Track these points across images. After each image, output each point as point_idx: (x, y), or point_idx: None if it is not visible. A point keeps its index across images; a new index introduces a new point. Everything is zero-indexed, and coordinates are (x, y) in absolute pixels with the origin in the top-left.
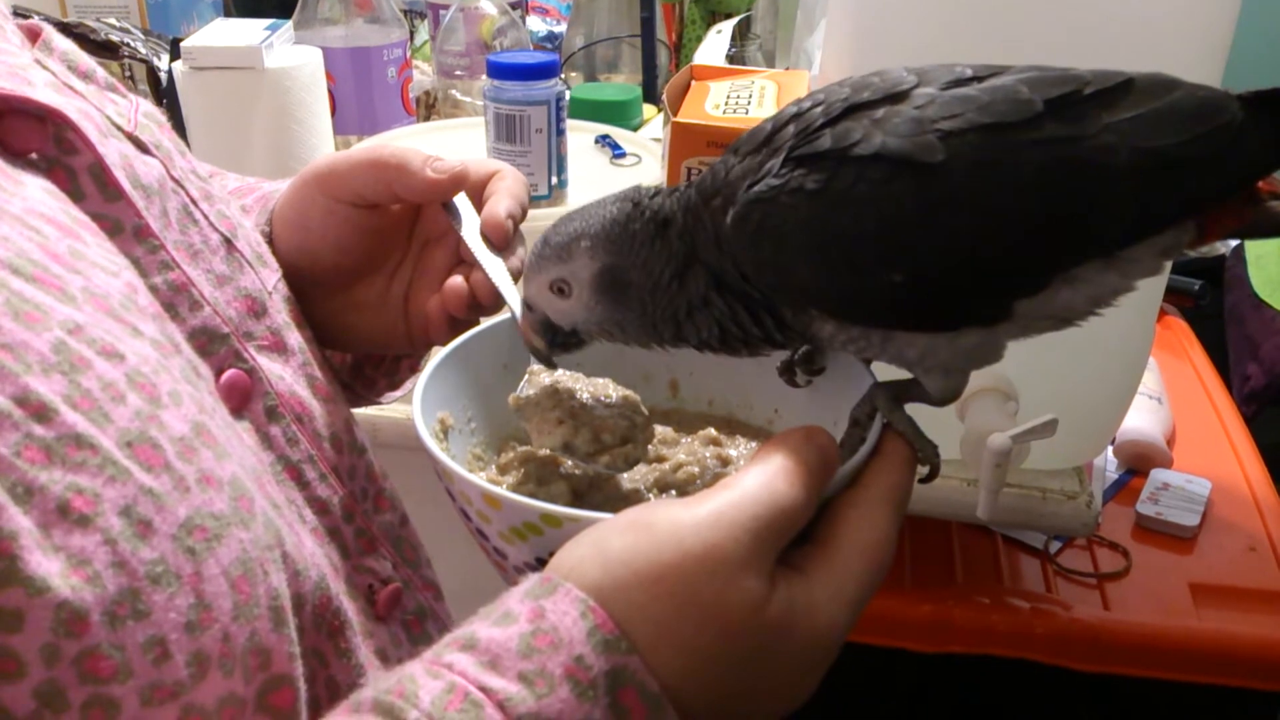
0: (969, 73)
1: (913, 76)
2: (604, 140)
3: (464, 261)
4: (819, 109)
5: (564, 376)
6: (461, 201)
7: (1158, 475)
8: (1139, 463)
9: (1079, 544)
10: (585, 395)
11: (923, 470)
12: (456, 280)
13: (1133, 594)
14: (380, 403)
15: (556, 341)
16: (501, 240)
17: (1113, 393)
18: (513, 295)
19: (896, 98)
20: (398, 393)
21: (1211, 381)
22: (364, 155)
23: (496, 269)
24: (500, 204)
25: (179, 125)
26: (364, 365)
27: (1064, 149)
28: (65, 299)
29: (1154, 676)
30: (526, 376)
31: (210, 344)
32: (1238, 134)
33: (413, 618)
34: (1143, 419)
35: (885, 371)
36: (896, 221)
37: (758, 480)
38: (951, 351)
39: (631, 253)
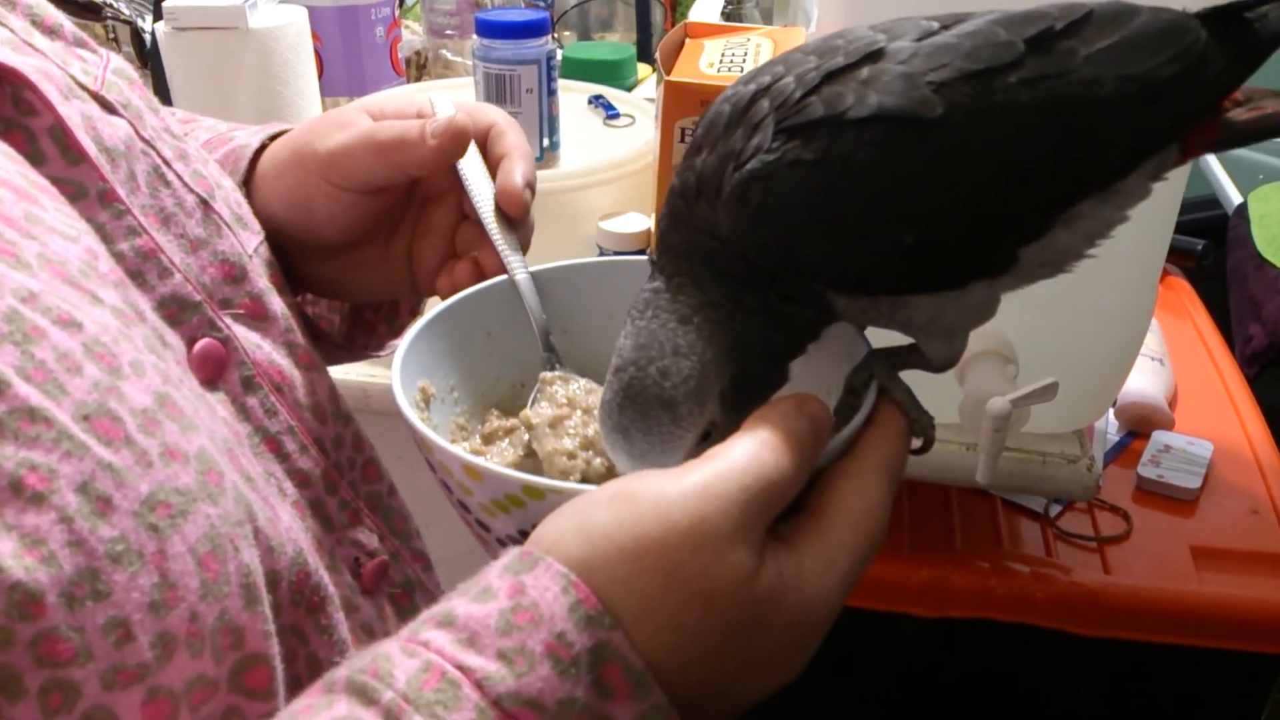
0: (935, 25)
1: (880, 34)
2: (597, 101)
3: (467, 218)
4: (789, 80)
5: (579, 390)
6: (471, 167)
7: (1159, 437)
8: (1140, 425)
9: (1079, 507)
10: None
11: (916, 442)
12: (465, 266)
13: (1133, 557)
14: (381, 354)
15: None
16: (519, 213)
17: (1114, 355)
18: (520, 271)
19: (875, 56)
20: (399, 340)
21: (1214, 342)
22: (361, 143)
23: (508, 244)
24: (515, 171)
25: (163, 87)
26: (363, 310)
27: (1055, 86)
28: (19, 266)
29: (1155, 640)
30: (538, 385)
31: (181, 312)
32: (1204, 51)
33: (400, 591)
34: (1144, 380)
35: (878, 338)
36: (904, 182)
37: (746, 451)
38: (958, 310)
39: (751, 349)
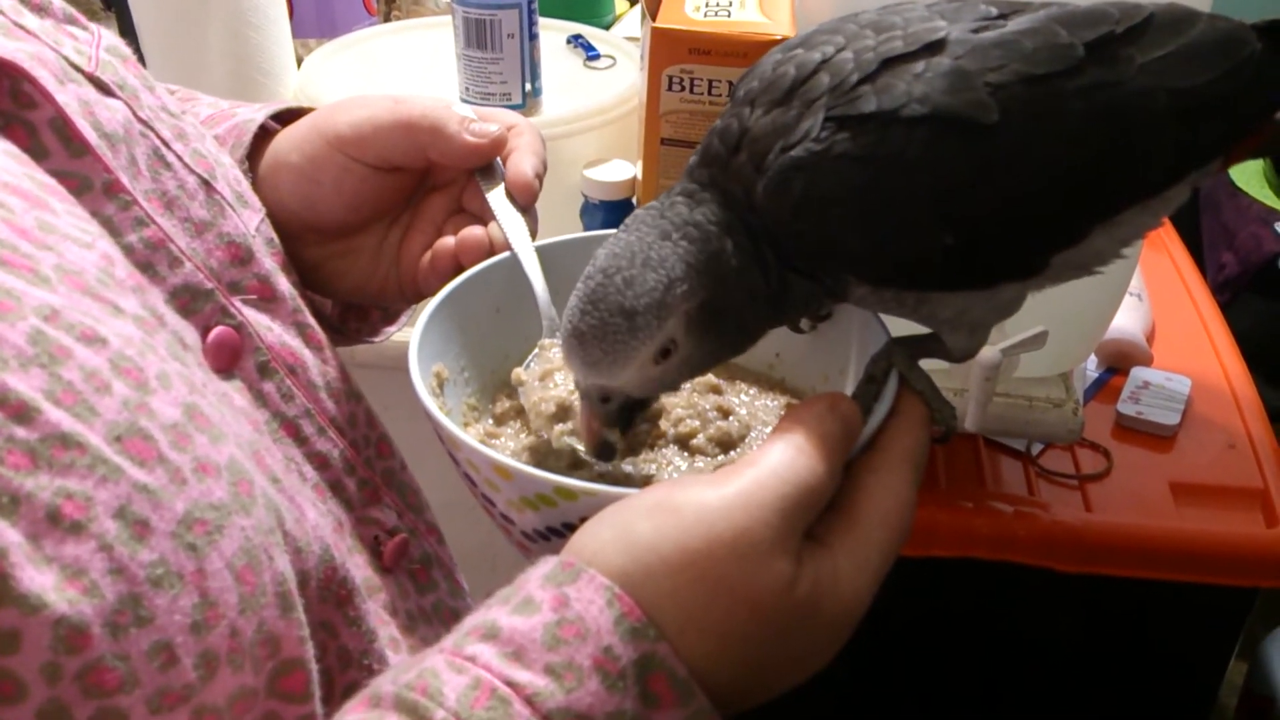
0: (994, 11)
1: (939, 19)
2: (576, 41)
3: (463, 210)
4: (847, 56)
5: None
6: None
7: (1138, 374)
8: (1120, 361)
9: (1060, 445)
10: None
11: (936, 430)
12: (476, 231)
13: (1114, 494)
14: (376, 340)
15: (633, 420)
16: (529, 200)
17: (1101, 299)
18: (530, 255)
19: (933, 48)
20: (394, 327)
21: (1190, 274)
22: (391, 118)
23: (517, 228)
24: (525, 162)
25: (129, 31)
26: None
27: (1109, 96)
28: (38, 281)
29: (1135, 576)
30: (536, 350)
31: (194, 302)
32: (1260, 65)
33: (419, 566)
34: (1124, 317)
35: (892, 324)
36: (950, 185)
37: (783, 457)
38: (985, 309)
39: (726, 276)
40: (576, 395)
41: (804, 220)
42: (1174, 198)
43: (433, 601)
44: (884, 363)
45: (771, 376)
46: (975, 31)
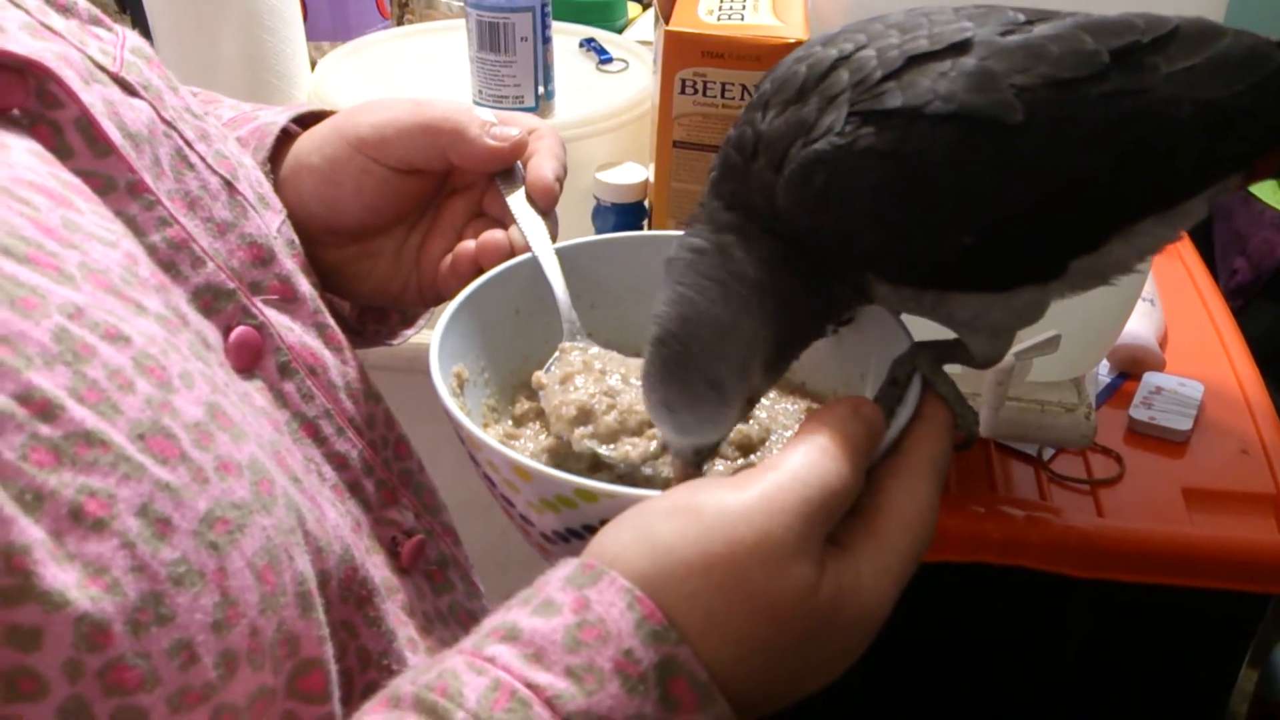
0: (1021, 17)
1: (965, 21)
2: (589, 44)
3: (483, 213)
4: (869, 54)
5: (597, 356)
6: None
7: (1150, 379)
8: (1132, 366)
9: (1072, 450)
10: (615, 379)
11: (959, 436)
12: (496, 235)
13: (1126, 500)
14: (394, 343)
15: (714, 451)
16: (549, 204)
17: (1114, 303)
18: (550, 258)
19: (960, 48)
20: (411, 330)
21: (1203, 280)
22: (412, 120)
23: (538, 231)
24: (546, 165)
25: (144, 36)
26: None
27: (1133, 103)
28: (63, 279)
29: (1146, 581)
30: (557, 353)
31: (216, 301)
32: None
33: (435, 568)
34: (1136, 322)
35: (916, 326)
36: (973, 184)
37: (805, 460)
38: (1004, 312)
39: (791, 315)
40: (597, 399)
41: (825, 215)
42: (1193, 211)
43: (449, 602)
44: (908, 366)
45: (792, 380)
46: (1002, 35)
